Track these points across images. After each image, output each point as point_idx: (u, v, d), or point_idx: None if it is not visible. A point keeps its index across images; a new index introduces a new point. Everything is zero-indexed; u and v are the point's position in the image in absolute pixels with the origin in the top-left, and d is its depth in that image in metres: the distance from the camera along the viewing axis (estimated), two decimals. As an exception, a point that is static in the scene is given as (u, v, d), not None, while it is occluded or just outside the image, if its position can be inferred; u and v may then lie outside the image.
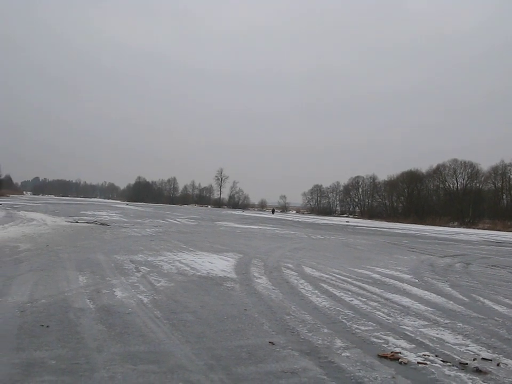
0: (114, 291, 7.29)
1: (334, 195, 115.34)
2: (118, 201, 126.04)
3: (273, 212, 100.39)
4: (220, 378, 3.95)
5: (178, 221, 32.48)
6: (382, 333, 5.78)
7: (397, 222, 73.22)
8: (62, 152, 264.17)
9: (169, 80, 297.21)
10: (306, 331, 5.65)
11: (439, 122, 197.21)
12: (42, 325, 5.13)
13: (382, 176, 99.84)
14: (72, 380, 3.70)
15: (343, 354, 4.83)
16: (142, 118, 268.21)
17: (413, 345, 5.30)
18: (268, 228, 30.43)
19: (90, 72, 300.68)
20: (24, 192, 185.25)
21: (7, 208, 37.35)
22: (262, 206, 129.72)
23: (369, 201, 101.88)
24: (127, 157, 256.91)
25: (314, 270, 11.06)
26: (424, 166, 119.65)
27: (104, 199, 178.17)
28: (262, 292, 8.00)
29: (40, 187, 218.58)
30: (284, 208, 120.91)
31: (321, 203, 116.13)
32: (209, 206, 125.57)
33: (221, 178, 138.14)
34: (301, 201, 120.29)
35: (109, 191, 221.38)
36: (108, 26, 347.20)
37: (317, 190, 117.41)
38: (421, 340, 5.53)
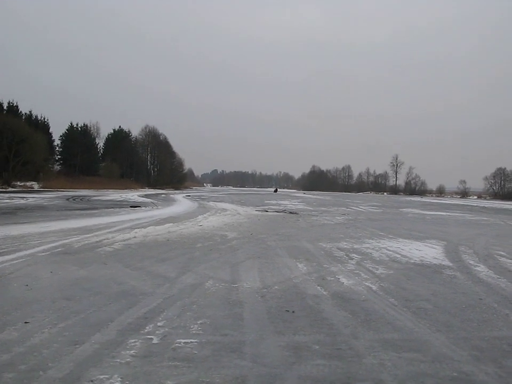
0: (339, 278, 7.44)
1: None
2: (294, 190, 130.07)
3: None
4: (494, 372, 3.77)
5: (363, 209, 32.36)
6: None
7: None
8: (237, 146, 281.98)
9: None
10: None
11: None
12: (288, 311, 5.40)
13: None
14: (343, 365, 3.81)
15: None
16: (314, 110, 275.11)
17: None
18: (457, 214, 29.07)
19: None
20: (204, 184, 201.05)
21: (197, 199, 40.82)
22: (440, 192, 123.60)
23: None
24: (300, 148, 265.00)
25: (535, 258, 10.20)
26: None
27: (280, 188, 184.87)
28: (488, 281, 7.63)
29: (218, 178, 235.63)
30: (464, 194, 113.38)
31: (505, 187, 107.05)
32: (384, 193, 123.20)
33: (396, 165, 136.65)
34: (483, 185, 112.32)
35: (283, 181, 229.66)
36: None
37: (500, 174, 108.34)
38: None
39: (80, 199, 34.15)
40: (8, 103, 66.94)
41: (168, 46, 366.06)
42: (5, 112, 62.97)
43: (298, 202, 41.21)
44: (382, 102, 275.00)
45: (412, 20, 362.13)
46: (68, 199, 33.30)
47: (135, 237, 11.84)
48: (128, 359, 3.77)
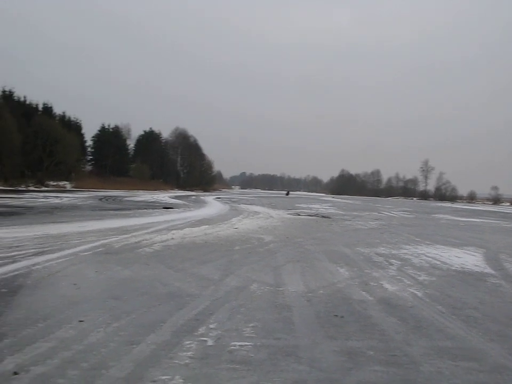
0: (382, 283, 7.40)
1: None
2: (323, 194, 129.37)
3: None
4: (559, 386, 3.70)
5: (394, 214, 32.08)
6: None
7: None
8: (266, 149, 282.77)
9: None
10: None
11: None
12: (337, 315, 5.39)
13: None
14: (401, 372, 3.78)
15: None
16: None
17: None
18: (491, 221, 28.73)
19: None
20: (232, 186, 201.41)
21: (228, 202, 40.94)
22: (471, 198, 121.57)
23: None
24: (329, 151, 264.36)
25: None
26: None
27: (308, 192, 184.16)
28: (537, 292, 7.44)
29: (247, 181, 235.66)
30: (496, 200, 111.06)
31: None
32: (414, 199, 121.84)
33: (426, 170, 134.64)
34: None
35: (312, 184, 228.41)
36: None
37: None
38: None
39: (113, 200, 34.65)
40: (43, 105, 68.29)
41: (195, 53, 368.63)
42: (39, 113, 64.27)
43: (329, 206, 41.06)
44: (410, 105, 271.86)
45: (427, 24, 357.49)
46: (100, 199, 33.82)
47: (172, 238, 11.95)
48: (186, 361, 3.81)
